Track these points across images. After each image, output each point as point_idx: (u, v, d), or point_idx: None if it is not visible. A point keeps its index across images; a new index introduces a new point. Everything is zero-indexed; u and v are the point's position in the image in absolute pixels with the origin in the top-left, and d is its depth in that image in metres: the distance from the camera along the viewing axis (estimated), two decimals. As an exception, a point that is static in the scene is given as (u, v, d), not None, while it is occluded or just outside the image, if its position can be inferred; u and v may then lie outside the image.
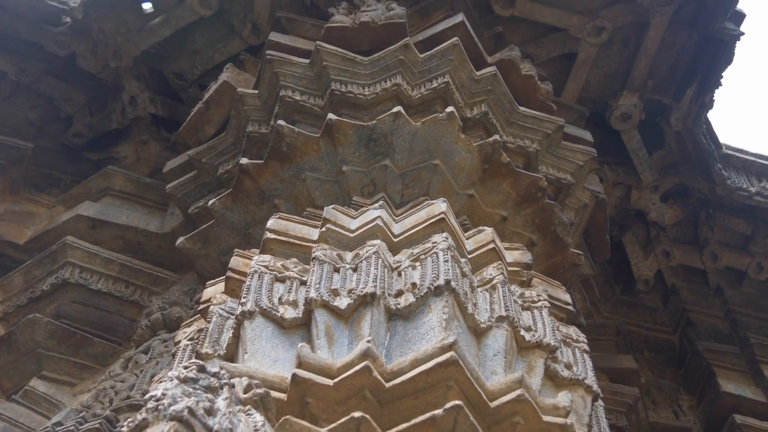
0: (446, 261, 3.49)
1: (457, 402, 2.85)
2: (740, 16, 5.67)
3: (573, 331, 3.83)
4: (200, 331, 3.81)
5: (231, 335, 3.50)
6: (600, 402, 3.63)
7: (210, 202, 4.68)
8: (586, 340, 3.80)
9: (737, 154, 6.43)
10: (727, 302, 6.72)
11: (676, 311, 6.71)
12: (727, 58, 5.68)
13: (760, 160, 6.48)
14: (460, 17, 5.04)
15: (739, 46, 5.65)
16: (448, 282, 3.37)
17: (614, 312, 6.59)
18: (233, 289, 3.87)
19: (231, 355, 3.46)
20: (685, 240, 6.69)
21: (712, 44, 5.66)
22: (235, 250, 4.15)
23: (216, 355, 3.45)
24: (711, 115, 6.00)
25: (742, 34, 5.61)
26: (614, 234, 6.40)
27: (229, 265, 3.99)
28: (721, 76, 5.77)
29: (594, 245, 5.45)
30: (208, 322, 3.68)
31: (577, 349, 3.72)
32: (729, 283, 6.75)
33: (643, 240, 6.54)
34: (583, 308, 5.25)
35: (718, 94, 5.86)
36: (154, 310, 5.23)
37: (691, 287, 6.75)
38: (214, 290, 4.05)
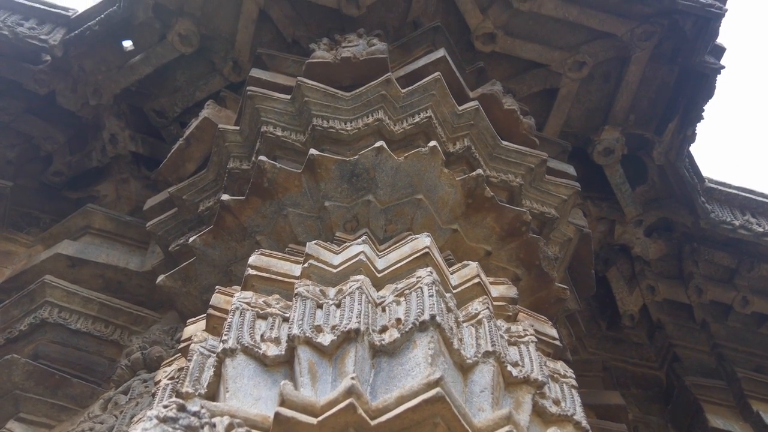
0: (431, 296, 3.45)
1: (444, 439, 2.80)
2: (720, 50, 5.70)
3: (560, 367, 3.78)
4: (181, 369, 3.73)
5: (212, 374, 3.43)
6: (589, 438, 3.58)
7: (191, 240, 4.63)
8: (573, 376, 3.75)
9: (720, 188, 6.44)
10: (713, 336, 6.69)
11: (662, 346, 6.68)
12: (708, 91, 5.69)
13: (744, 194, 6.49)
14: (441, 52, 5.05)
15: (720, 80, 5.67)
16: (433, 317, 3.32)
17: (600, 348, 6.55)
18: (214, 327, 3.81)
19: (212, 394, 3.38)
20: (670, 274, 6.68)
21: (693, 78, 5.68)
22: (217, 287, 4.09)
23: (197, 394, 3.37)
24: (693, 148, 6.01)
25: (723, 67, 5.63)
26: (598, 269, 6.37)
27: (210, 303, 3.93)
28: (703, 110, 5.78)
29: (579, 280, 5.42)
30: (189, 360, 3.60)
31: (565, 385, 3.66)
32: (715, 317, 6.73)
33: (627, 275, 6.52)
34: (569, 344, 5.20)
35: (700, 128, 5.87)
36: (134, 350, 5.15)
37: (677, 322, 6.73)
38: (195, 328, 3.98)
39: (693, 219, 6.27)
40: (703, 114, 5.79)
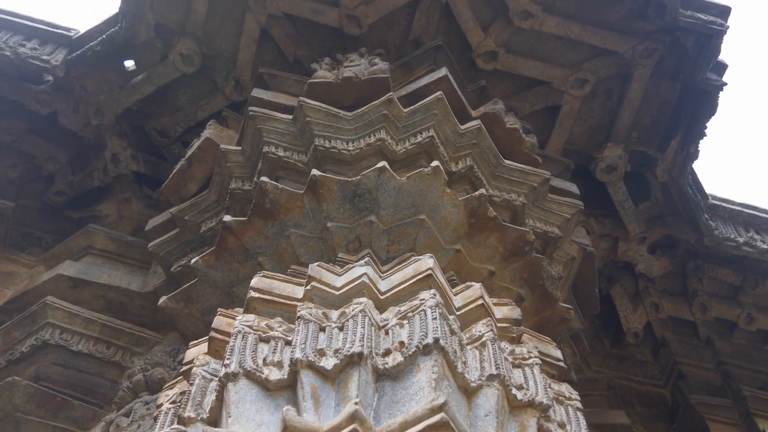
0: (434, 318, 3.42)
1: (449, 465, 2.77)
2: (722, 67, 5.69)
3: (565, 389, 3.76)
4: (183, 393, 3.72)
5: (214, 398, 3.41)
6: (594, 461, 3.56)
7: (193, 261, 4.61)
8: (578, 398, 3.73)
9: (724, 204, 6.42)
10: (717, 354, 6.66)
11: (667, 364, 6.65)
12: (710, 108, 5.68)
13: (747, 210, 6.47)
14: (443, 71, 5.04)
15: (723, 96, 5.66)
16: (437, 340, 3.30)
17: (604, 366, 6.52)
18: (217, 350, 3.79)
19: (215, 419, 3.36)
20: (674, 291, 6.65)
21: (695, 95, 5.67)
22: (219, 309, 4.06)
23: (199, 419, 3.36)
24: (696, 165, 5.99)
25: (725, 84, 5.62)
26: (602, 286, 6.35)
27: (213, 326, 3.91)
28: (706, 127, 5.77)
29: (583, 299, 5.40)
30: (191, 384, 3.59)
31: (570, 407, 3.65)
32: (719, 334, 6.70)
33: (631, 292, 6.49)
34: (573, 363, 5.18)
35: (703, 145, 5.85)
36: (136, 372, 5.13)
37: (681, 339, 6.70)
38: (197, 351, 3.96)
39: (697, 236, 6.24)
40: (705, 131, 5.77)
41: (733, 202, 6.50)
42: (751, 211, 6.48)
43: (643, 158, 5.94)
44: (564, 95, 5.72)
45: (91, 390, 5.31)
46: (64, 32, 6.05)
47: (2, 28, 6.18)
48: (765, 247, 6.30)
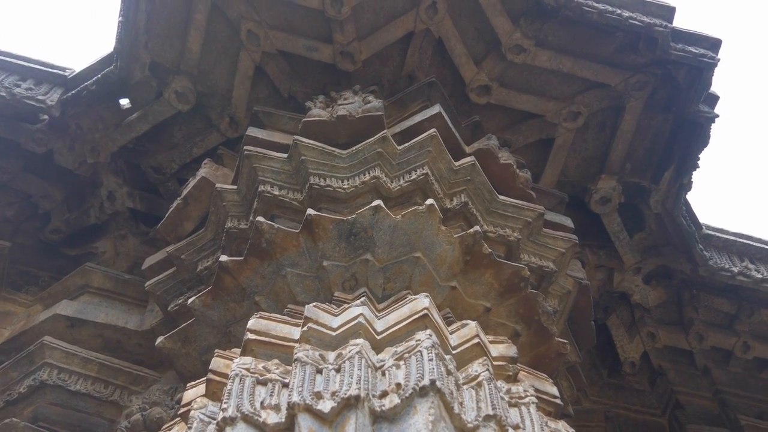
0: (431, 360, 3.44)
1: None
2: (714, 99, 5.72)
3: (562, 426, 3.77)
4: (181, 436, 3.72)
5: (213, 442, 3.42)
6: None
7: (189, 301, 4.61)
8: (575, 435, 3.74)
9: (718, 234, 6.45)
10: (715, 383, 6.69)
11: (664, 393, 6.66)
12: (703, 140, 5.71)
13: (742, 240, 6.50)
14: (437, 108, 5.07)
15: (716, 126, 5.70)
16: (433, 382, 3.31)
17: (602, 395, 6.54)
18: (214, 392, 3.80)
19: (213, 463, 3.38)
20: (670, 321, 6.68)
21: (687, 127, 5.70)
22: (216, 350, 4.07)
23: (197, 463, 3.37)
24: (691, 195, 6.01)
25: (717, 116, 5.65)
26: (598, 317, 6.37)
27: (210, 367, 3.92)
28: (698, 158, 5.79)
29: (579, 332, 5.42)
30: (189, 427, 3.60)
31: (566, 445, 3.66)
32: (716, 363, 6.73)
33: (627, 322, 6.52)
34: (570, 396, 5.19)
35: (697, 175, 5.89)
36: (134, 411, 5.13)
37: (678, 368, 6.72)
38: (195, 393, 3.97)
39: (691, 266, 6.26)
40: (698, 162, 5.80)
41: (727, 232, 6.52)
42: (746, 241, 6.50)
43: (637, 189, 5.97)
44: (557, 128, 5.77)
45: (90, 430, 5.30)
46: (59, 72, 6.08)
47: (-2, 69, 6.23)
48: (759, 276, 6.33)
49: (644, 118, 5.75)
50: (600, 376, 6.61)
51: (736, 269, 6.29)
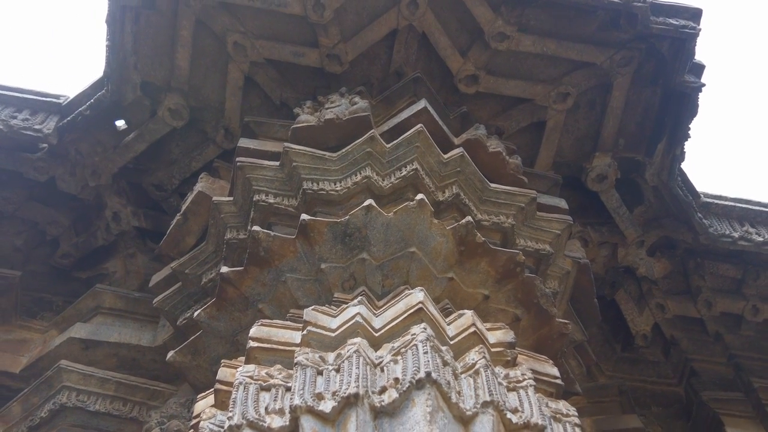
0: (426, 352, 3.51)
1: (447, 497, 2.85)
2: (700, 68, 5.74)
3: (563, 406, 3.83)
4: (194, 447, 3.81)
5: (222, 450, 3.51)
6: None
7: (195, 314, 4.69)
8: (576, 414, 3.80)
9: (717, 201, 6.46)
10: (728, 347, 6.69)
11: (679, 362, 6.69)
12: (691, 110, 5.73)
13: (740, 204, 6.50)
14: (422, 104, 5.13)
15: (707, 94, 5.73)
16: (428, 374, 3.39)
17: (617, 370, 6.56)
18: (222, 401, 3.89)
19: (224, 471, 3.46)
20: (678, 291, 6.69)
21: (675, 98, 5.73)
22: (222, 360, 4.17)
23: (209, 472, 3.46)
24: (688, 165, 6.05)
25: (703, 85, 5.66)
26: (606, 293, 6.42)
27: (217, 377, 4.02)
28: (689, 128, 5.81)
29: (582, 310, 5.46)
30: (200, 438, 3.69)
31: (568, 424, 3.72)
32: (727, 328, 6.74)
33: (635, 296, 6.55)
34: (579, 374, 5.25)
35: (692, 144, 5.92)
36: (153, 426, 5.22)
37: (691, 336, 6.73)
38: (205, 404, 4.07)
39: (693, 235, 6.28)
40: (689, 132, 5.82)
41: (725, 198, 6.53)
42: (744, 205, 6.50)
43: (632, 164, 6.00)
44: (548, 110, 5.80)
45: (112, 448, 5.42)
46: (53, 100, 6.16)
47: (-8, 103, 6.33)
48: (761, 239, 6.34)
49: (632, 94, 5.78)
50: (614, 351, 6.64)
51: (736, 234, 6.30)
